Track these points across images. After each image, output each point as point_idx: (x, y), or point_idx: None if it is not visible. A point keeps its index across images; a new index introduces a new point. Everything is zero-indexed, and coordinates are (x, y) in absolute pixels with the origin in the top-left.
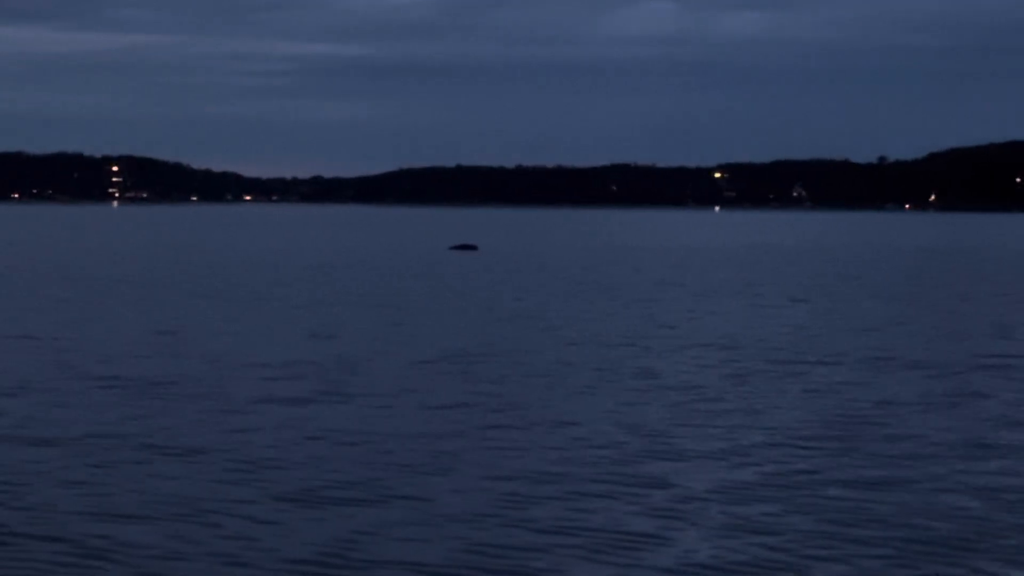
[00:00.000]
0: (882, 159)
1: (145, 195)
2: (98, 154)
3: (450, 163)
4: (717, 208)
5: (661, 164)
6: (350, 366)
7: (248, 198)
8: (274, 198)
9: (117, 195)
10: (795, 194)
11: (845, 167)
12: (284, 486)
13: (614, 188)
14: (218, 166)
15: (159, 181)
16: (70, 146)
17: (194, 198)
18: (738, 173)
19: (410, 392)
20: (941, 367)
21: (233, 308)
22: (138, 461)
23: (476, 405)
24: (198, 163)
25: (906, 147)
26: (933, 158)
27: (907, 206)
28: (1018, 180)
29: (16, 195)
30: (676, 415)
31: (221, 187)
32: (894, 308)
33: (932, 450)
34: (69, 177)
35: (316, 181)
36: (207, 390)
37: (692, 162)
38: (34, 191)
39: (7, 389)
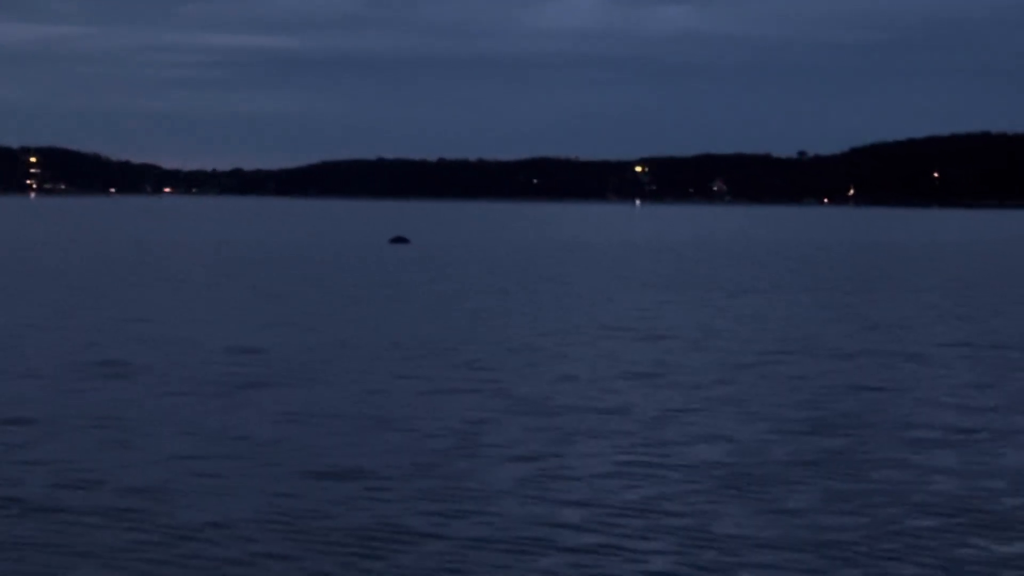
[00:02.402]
0: (802, 154)
1: (63, 186)
2: (16, 145)
3: (371, 156)
4: (638, 202)
5: (583, 158)
6: (322, 352)
7: (168, 190)
8: (194, 190)
9: (35, 186)
10: (715, 188)
11: (766, 162)
12: (252, 460)
13: (535, 182)
14: (137, 158)
15: (78, 173)
16: None
17: (112, 190)
18: (659, 167)
19: (401, 378)
20: (866, 356)
21: (185, 297)
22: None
23: (476, 391)
24: (117, 155)
25: (826, 142)
26: (853, 153)
27: (825, 201)
28: (936, 175)
29: None
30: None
31: (140, 179)
32: (830, 300)
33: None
34: None
35: (237, 173)
36: (176, 374)
37: (614, 156)
38: None
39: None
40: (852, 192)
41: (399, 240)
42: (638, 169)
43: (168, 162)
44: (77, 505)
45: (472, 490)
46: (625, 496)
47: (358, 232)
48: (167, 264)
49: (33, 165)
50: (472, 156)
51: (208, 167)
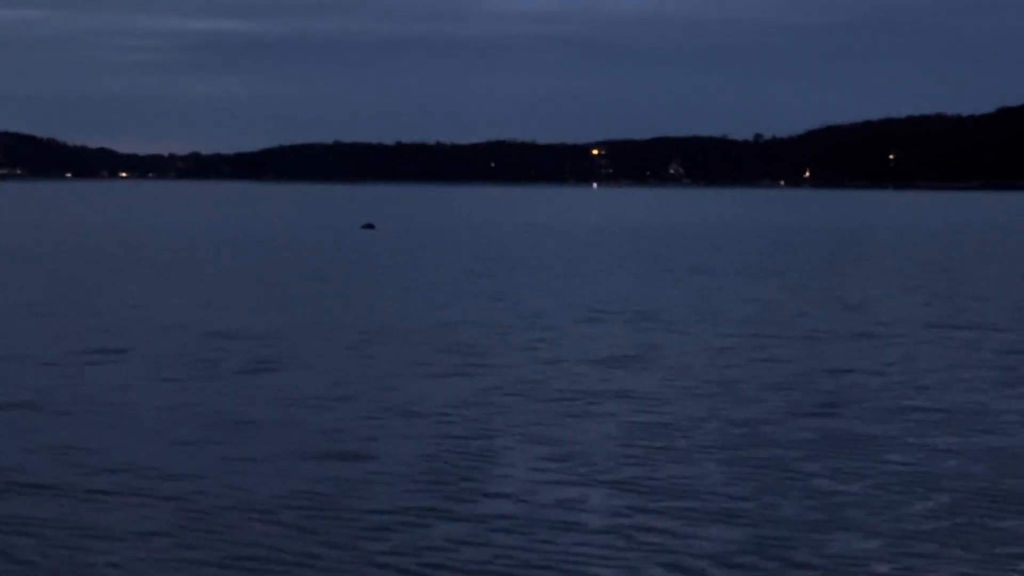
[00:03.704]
0: (758, 136)
1: (19, 171)
2: None
3: (329, 139)
4: (595, 185)
5: (540, 141)
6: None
7: (124, 175)
8: (150, 175)
9: None
10: (672, 171)
11: (722, 144)
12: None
13: (493, 165)
14: (93, 142)
15: (33, 158)
16: None
17: (68, 174)
18: (616, 150)
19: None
20: (850, 338)
21: (168, 282)
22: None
23: (472, 374)
24: (73, 140)
25: (782, 125)
26: (809, 136)
27: (781, 183)
28: (891, 157)
29: None
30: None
31: (96, 164)
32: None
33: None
34: None
35: (194, 157)
36: (173, 359)
37: (571, 139)
38: None
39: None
40: (808, 174)
41: (368, 227)
42: (595, 152)
43: (124, 146)
44: (104, 487)
45: (482, 471)
46: (625, 474)
47: (327, 217)
48: (143, 250)
49: None
50: (430, 139)
51: (165, 151)
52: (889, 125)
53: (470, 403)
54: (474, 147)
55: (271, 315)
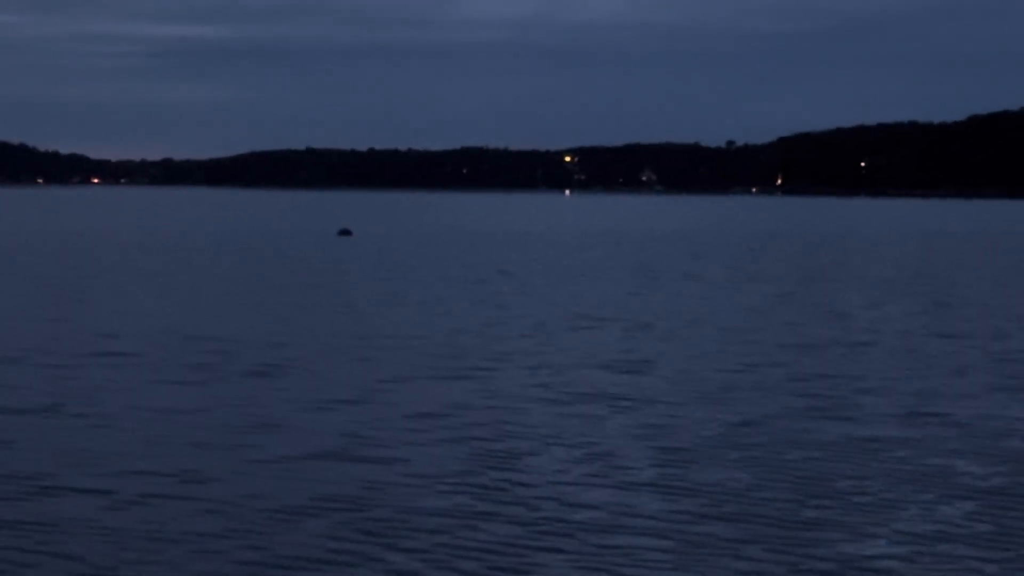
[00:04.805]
0: (730, 143)
1: None
2: None
3: (301, 146)
4: (567, 192)
5: (512, 147)
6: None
7: (96, 180)
8: (122, 181)
9: None
10: (644, 178)
11: (695, 151)
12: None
13: (464, 171)
14: (65, 148)
15: (4, 163)
16: None
17: (40, 180)
18: (589, 157)
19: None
20: (837, 345)
21: (158, 288)
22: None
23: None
24: (44, 145)
25: (755, 132)
26: (781, 143)
27: (753, 190)
28: (863, 165)
29: None
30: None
31: (68, 170)
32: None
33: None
34: None
35: (166, 163)
36: (176, 363)
37: (543, 145)
38: None
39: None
40: (780, 181)
41: (344, 232)
42: (567, 159)
43: (96, 152)
44: (130, 490)
45: (513, 473)
46: (649, 476)
47: (302, 223)
48: (128, 256)
49: None
50: (402, 146)
51: (137, 157)
52: (861, 132)
53: (486, 407)
54: (446, 153)
55: (269, 321)
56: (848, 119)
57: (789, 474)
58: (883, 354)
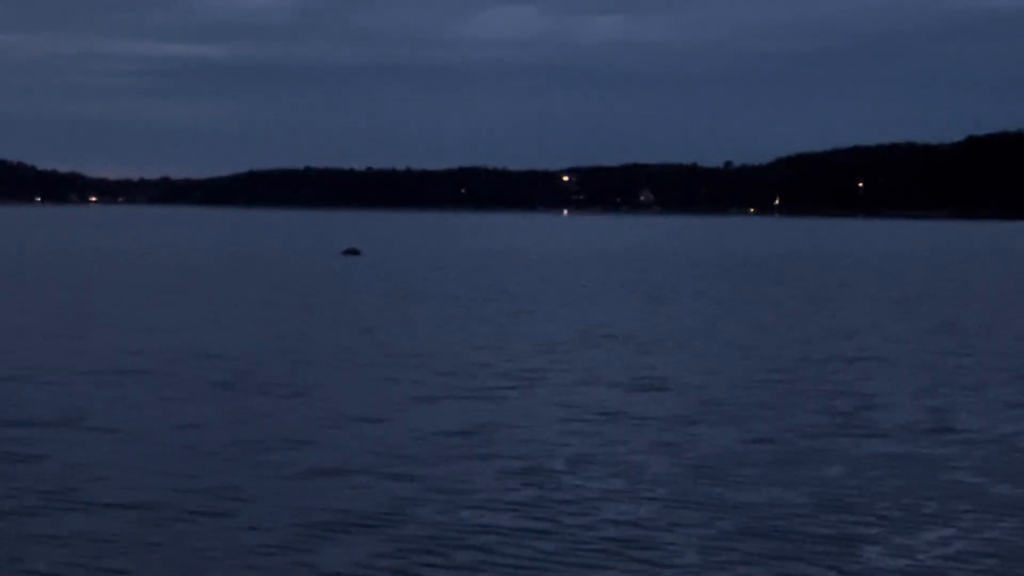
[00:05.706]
0: (728, 164)
1: None
2: None
3: (299, 165)
4: (565, 211)
5: (511, 167)
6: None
7: (94, 199)
8: (120, 199)
9: None
10: (642, 198)
11: (693, 171)
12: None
13: (463, 191)
14: (63, 167)
15: (2, 181)
16: None
17: (38, 199)
18: (586, 176)
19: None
20: (839, 361)
21: (170, 306)
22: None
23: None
24: (43, 164)
25: (752, 152)
26: (779, 163)
27: (751, 210)
28: (861, 185)
29: None
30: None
31: (66, 188)
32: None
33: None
34: None
35: (164, 183)
36: (195, 381)
37: (541, 165)
38: None
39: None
40: (778, 202)
41: (351, 252)
42: (565, 178)
43: (94, 171)
44: (192, 508)
45: (552, 489)
46: (683, 490)
47: (307, 243)
48: (135, 274)
49: None
50: (400, 165)
51: (135, 176)
52: (858, 153)
53: (510, 425)
54: (445, 173)
55: (284, 339)
56: (846, 140)
57: (817, 490)
58: (897, 372)
